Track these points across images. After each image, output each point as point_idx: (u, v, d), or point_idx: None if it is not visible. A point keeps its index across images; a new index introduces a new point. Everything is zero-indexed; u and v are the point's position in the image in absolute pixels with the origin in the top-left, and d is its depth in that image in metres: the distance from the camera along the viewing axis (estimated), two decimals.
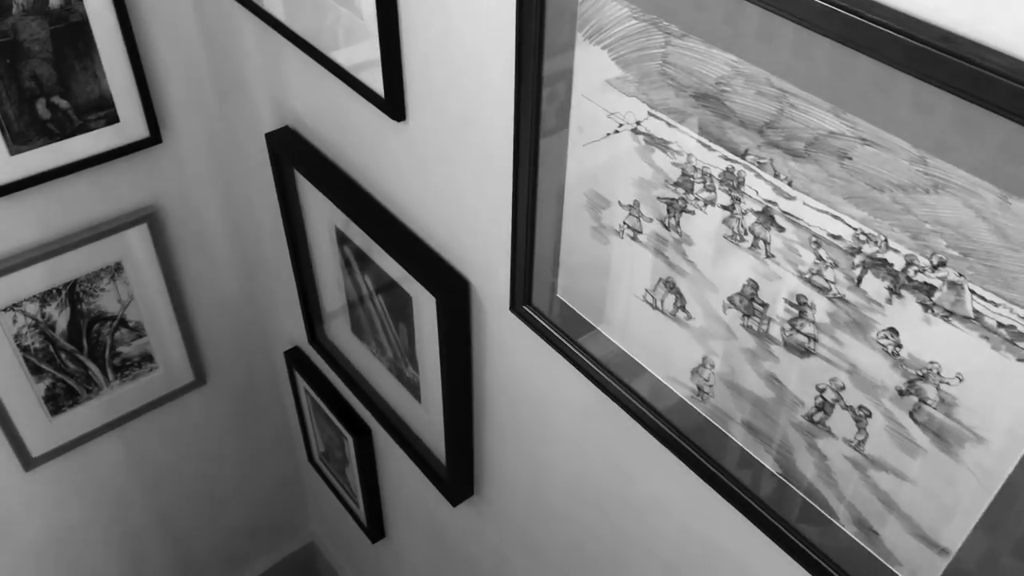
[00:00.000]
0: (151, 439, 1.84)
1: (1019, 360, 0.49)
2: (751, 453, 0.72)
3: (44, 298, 1.49)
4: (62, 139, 1.35)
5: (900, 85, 0.48)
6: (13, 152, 1.31)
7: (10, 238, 1.40)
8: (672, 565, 0.92)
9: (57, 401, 1.63)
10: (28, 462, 1.65)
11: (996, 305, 0.49)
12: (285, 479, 2.21)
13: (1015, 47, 0.43)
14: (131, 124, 1.40)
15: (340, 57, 1.01)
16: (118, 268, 1.54)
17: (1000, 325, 0.49)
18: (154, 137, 1.43)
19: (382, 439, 1.56)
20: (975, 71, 0.44)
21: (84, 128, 1.36)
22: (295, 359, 1.70)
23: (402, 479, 1.57)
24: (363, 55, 0.97)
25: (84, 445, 1.72)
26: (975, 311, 0.50)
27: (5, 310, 1.45)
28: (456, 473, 1.26)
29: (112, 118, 1.37)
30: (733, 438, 0.73)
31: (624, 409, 0.84)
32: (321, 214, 1.28)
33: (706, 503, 0.81)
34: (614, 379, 0.84)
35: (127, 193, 1.49)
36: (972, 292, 0.50)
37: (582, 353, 0.87)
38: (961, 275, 0.50)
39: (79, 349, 1.60)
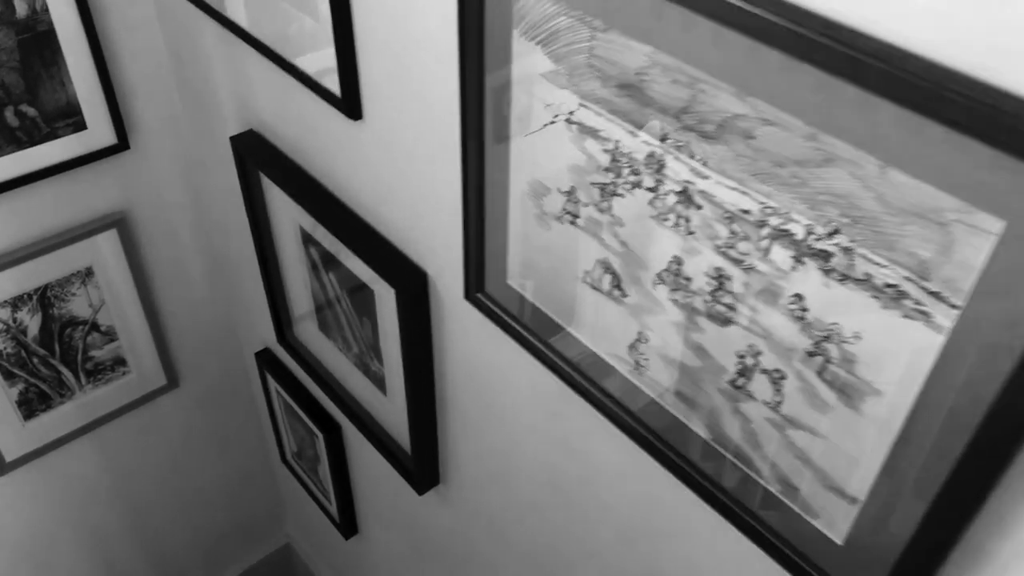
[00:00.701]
0: (125, 442, 1.87)
1: (904, 317, 0.55)
2: (684, 420, 0.77)
3: (15, 303, 1.52)
4: (30, 146, 1.38)
5: (792, 69, 0.53)
6: None
7: None
8: (623, 533, 0.97)
9: (30, 405, 1.65)
10: (2, 466, 1.67)
11: (882, 267, 0.54)
12: (259, 480, 2.24)
13: (885, 32, 0.48)
14: (98, 131, 1.43)
15: (299, 61, 1.06)
16: (89, 273, 1.57)
17: (887, 285, 0.55)
18: (122, 143, 1.46)
19: (352, 435, 1.60)
20: (852, 55, 0.49)
21: (52, 135, 1.39)
22: (266, 360, 1.74)
23: (372, 474, 1.61)
24: (321, 59, 1.01)
25: (58, 449, 1.75)
26: (865, 273, 0.56)
27: None
28: (421, 462, 1.30)
29: (80, 125, 1.41)
30: (668, 407, 0.78)
31: (572, 388, 0.89)
32: (286, 214, 1.32)
33: (648, 472, 0.86)
34: (562, 360, 0.89)
35: (96, 199, 1.52)
36: (862, 256, 0.55)
37: (532, 336, 0.92)
38: (852, 241, 0.55)
39: (51, 354, 1.62)
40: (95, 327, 1.65)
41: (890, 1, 0.47)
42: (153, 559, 2.15)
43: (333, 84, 1.01)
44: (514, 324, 0.93)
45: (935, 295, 0.52)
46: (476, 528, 1.33)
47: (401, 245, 1.10)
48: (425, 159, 0.95)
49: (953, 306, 0.52)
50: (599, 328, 0.82)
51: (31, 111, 1.35)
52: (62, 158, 1.42)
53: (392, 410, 1.32)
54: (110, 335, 1.68)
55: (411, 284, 1.08)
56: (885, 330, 0.56)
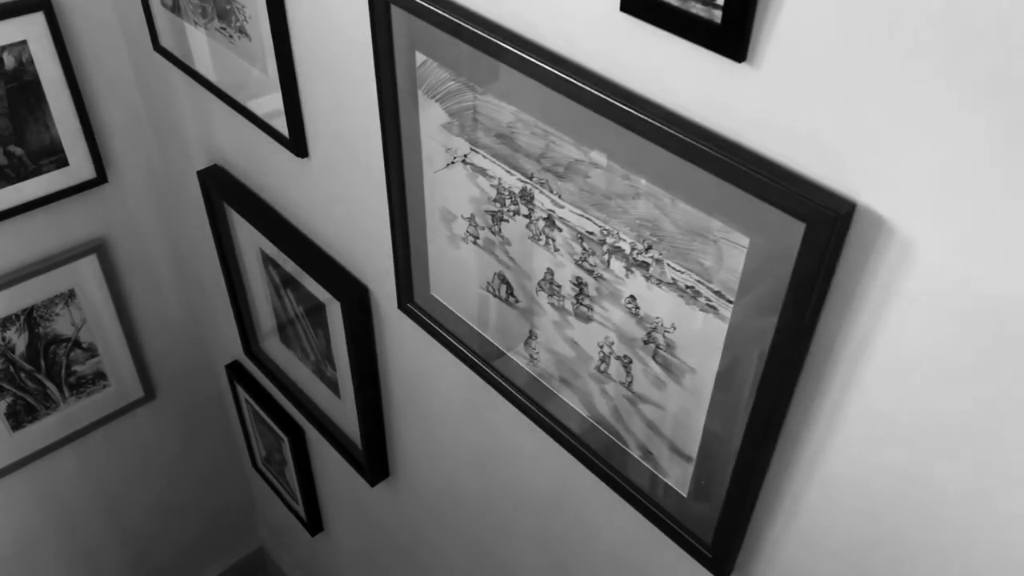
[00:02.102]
0: (105, 451, 2.02)
1: (701, 310, 0.72)
2: (568, 402, 0.95)
3: (4, 323, 1.67)
4: (17, 182, 1.54)
5: (606, 126, 0.71)
6: None
7: None
8: (540, 506, 1.14)
9: (18, 417, 1.80)
10: None
11: (682, 273, 0.72)
12: (233, 486, 2.39)
13: (673, 103, 0.66)
14: (79, 166, 1.60)
15: (254, 106, 1.23)
16: (71, 294, 1.73)
17: (687, 287, 0.73)
18: (100, 177, 1.63)
19: (314, 438, 1.76)
20: (636, 116, 0.67)
21: (37, 171, 1.55)
22: (235, 371, 1.89)
23: (332, 472, 1.77)
24: (271, 105, 1.19)
25: (43, 458, 1.90)
26: (672, 278, 0.73)
27: None
28: (372, 456, 1.46)
29: (62, 162, 1.57)
30: (556, 392, 0.96)
31: (486, 381, 1.06)
32: (249, 239, 1.49)
33: (550, 450, 1.04)
34: (477, 357, 1.06)
35: (78, 227, 1.68)
36: (669, 265, 0.73)
37: (452, 339, 1.09)
38: (661, 254, 0.73)
39: (37, 369, 1.78)
40: (77, 344, 1.81)
41: (678, 80, 0.65)
42: (133, 563, 2.29)
43: (282, 127, 1.19)
44: (438, 329, 1.11)
45: (718, 293, 0.70)
46: (423, 516, 1.49)
47: (345, 264, 1.27)
48: (359, 191, 1.13)
49: (729, 301, 0.70)
50: (501, 329, 1.00)
51: (18, 150, 1.52)
52: (46, 191, 1.58)
53: (345, 411, 1.49)
54: (91, 351, 1.84)
55: (354, 297, 1.25)
56: (691, 321, 0.74)
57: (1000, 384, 0.55)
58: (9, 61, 1.43)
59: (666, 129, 0.66)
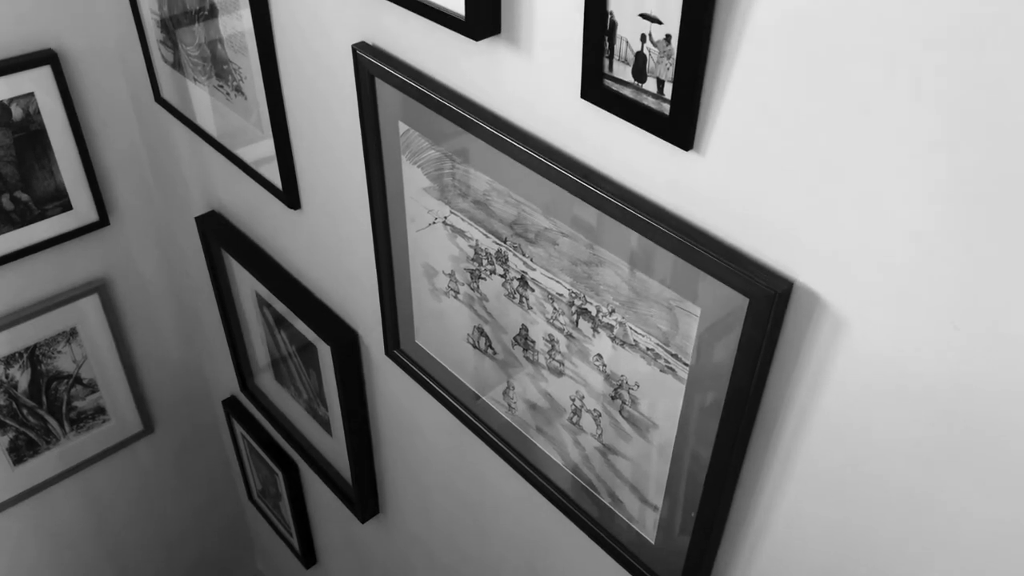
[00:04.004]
0: (105, 484, 2.06)
1: (661, 371, 0.77)
2: (543, 449, 0.99)
3: (8, 360, 1.72)
4: (23, 226, 1.59)
5: (570, 199, 0.76)
6: None
7: None
8: (519, 547, 1.18)
9: (19, 452, 1.84)
10: None
11: (642, 336, 0.77)
12: (230, 518, 2.42)
13: (629, 182, 0.71)
14: (83, 210, 1.65)
15: (250, 160, 1.29)
16: (73, 333, 1.78)
17: (648, 349, 0.77)
18: (102, 220, 1.68)
19: (307, 473, 1.80)
20: (595, 193, 0.72)
21: (42, 216, 1.61)
22: (232, 407, 1.94)
23: (325, 507, 1.81)
24: (266, 159, 1.24)
25: (44, 491, 1.94)
26: (634, 340, 0.78)
27: None
28: (362, 493, 1.51)
29: (66, 206, 1.63)
30: (531, 438, 1.00)
31: (467, 427, 1.10)
32: (245, 283, 1.54)
33: (526, 493, 1.08)
34: (459, 404, 1.11)
35: (80, 268, 1.73)
36: (631, 328, 0.78)
37: (436, 385, 1.13)
38: (623, 317, 0.78)
39: (39, 405, 1.82)
40: (78, 380, 1.85)
41: (633, 161, 0.71)
42: None
43: (276, 180, 1.24)
44: (423, 375, 1.15)
45: (675, 356, 0.75)
46: (413, 552, 1.53)
47: (336, 309, 1.32)
48: (349, 243, 1.18)
49: (685, 364, 0.74)
50: (481, 378, 1.05)
51: (24, 196, 1.57)
52: (51, 235, 1.64)
53: (337, 449, 1.53)
54: (92, 387, 1.89)
55: (344, 341, 1.30)
56: (652, 380, 0.79)
57: (925, 455, 0.60)
58: (17, 112, 1.49)
59: (622, 207, 0.71)
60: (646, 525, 0.90)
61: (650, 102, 0.65)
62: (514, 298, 0.91)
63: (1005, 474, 0.56)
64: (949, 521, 0.61)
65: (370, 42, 0.93)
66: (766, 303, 0.63)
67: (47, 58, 1.46)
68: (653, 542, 0.91)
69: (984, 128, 0.48)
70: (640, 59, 0.64)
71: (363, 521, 1.54)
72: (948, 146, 0.50)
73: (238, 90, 1.22)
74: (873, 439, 0.63)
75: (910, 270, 0.55)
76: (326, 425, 1.53)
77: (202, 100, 1.34)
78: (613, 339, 0.81)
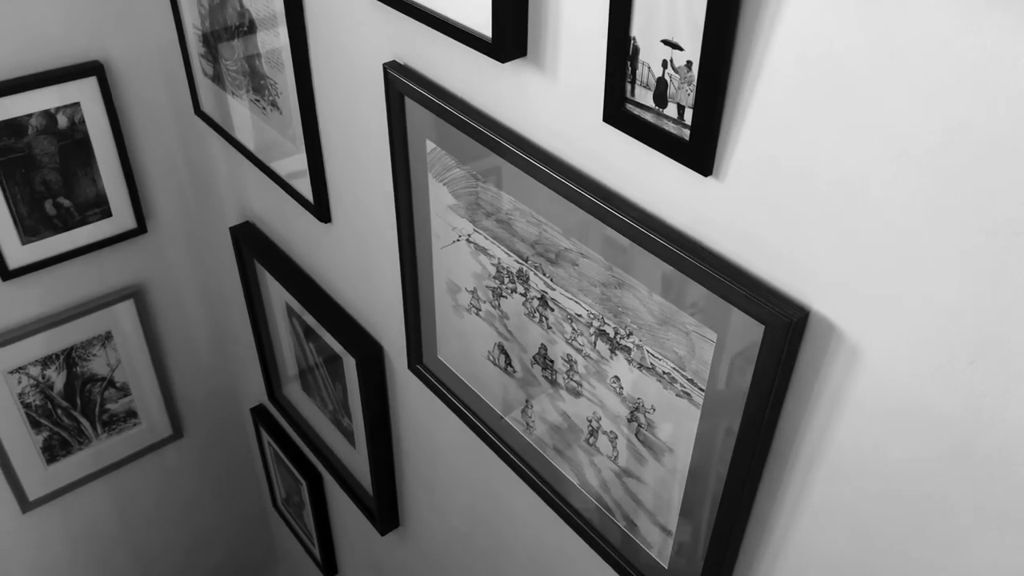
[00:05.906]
0: (134, 486, 2.09)
1: (677, 395, 0.77)
2: (560, 469, 0.99)
3: (45, 362, 1.76)
4: (65, 231, 1.64)
5: (591, 221, 0.77)
6: (24, 242, 1.60)
7: (19, 312, 1.68)
8: (536, 568, 1.18)
9: (53, 451, 1.88)
10: (25, 505, 1.90)
11: (659, 359, 0.77)
12: (254, 524, 2.45)
13: (649, 205, 0.72)
14: (122, 217, 1.69)
15: (283, 174, 1.31)
16: (108, 337, 1.82)
17: (664, 373, 0.77)
18: (140, 228, 1.72)
19: (331, 483, 1.82)
20: (615, 216, 0.73)
21: (83, 222, 1.65)
22: (259, 415, 1.96)
23: (346, 517, 1.82)
24: (299, 172, 1.27)
25: (75, 491, 1.98)
26: (651, 363, 0.78)
27: (11, 372, 1.72)
28: (382, 505, 1.51)
29: (106, 213, 1.67)
30: (548, 458, 1.00)
31: (486, 443, 1.11)
32: (275, 293, 1.56)
33: (542, 513, 1.08)
34: (479, 420, 1.11)
35: (117, 274, 1.77)
36: (648, 351, 0.78)
37: (457, 400, 1.14)
38: (641, 340, 0.78)
39: (73, 406, 1.86)
40: (112, 383, 1.89)
41: (654, 185, 0.71)
42: None
43: (308, 194, 1.26)
44: (444, 390, 1.16)
45: (691, 381, 0.75)
46: (431, 566, 1.53)
47: (363, 323, 1.34)
48: (376, 258, 1.19)
49: (701, 389, 0.74)
50: (501, 396, 1.05)
51: (66, 202, 1.62)
52: (90, 240, 1.68)
53: (359, 460, 1.55)
54: (124, 391, 1.92)
55: (369, 354, 1.31)
56: (668, 404, 0.79)
57: (941, 487, 0.59)
58: (63, 121, 1.53)
59: (642, 230, 0.71)
60: (659, 549, 0.90)
61: (670, 127, 0.65)
62: (534, 317, 0.91)
63: (1023, 507, 0.55)
64: (965, 555, 0.60)
65: (401, 61, 0.94)
66: (782, 331, 0.63)
67: (93, 69, 1.51)
68: (667, 567, 0.90)
69: (1008, 154, 0.48)
70: (661, 84, 0.64)
71: (383, 534, 1.55)
72: (971, 179, 0.50)
73: (274, 105, 1.24)
74: (888, 471, 0.62)
75: (926, 303, 0.55)
76: (350, 436, 1.54)
77: (240, 113, 1.36)
78: (630, 361, 0.81)
